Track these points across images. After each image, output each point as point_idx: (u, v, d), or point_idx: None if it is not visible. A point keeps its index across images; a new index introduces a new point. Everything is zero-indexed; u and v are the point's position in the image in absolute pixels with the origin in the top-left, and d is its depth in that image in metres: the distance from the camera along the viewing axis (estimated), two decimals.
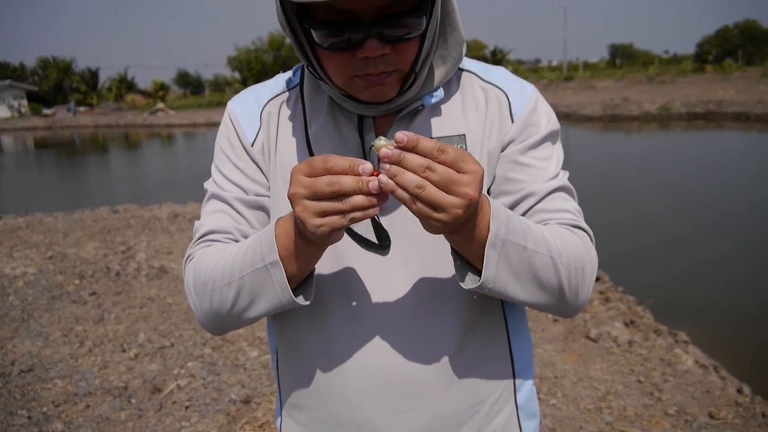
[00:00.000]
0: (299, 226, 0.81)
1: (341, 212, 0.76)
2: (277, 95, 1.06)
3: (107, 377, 3.63)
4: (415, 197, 0.74)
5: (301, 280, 0.91)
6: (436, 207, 0.74)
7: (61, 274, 5.64)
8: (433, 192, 0.73)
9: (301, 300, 0.89)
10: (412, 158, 0.73)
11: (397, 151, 0.73)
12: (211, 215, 1.04)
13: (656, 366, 3.63)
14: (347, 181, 0.74)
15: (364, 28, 0.83)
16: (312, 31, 0.86)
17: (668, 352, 3.82)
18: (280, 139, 1.03)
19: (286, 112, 1.05)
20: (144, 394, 3.42)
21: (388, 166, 0.73)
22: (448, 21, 0.95)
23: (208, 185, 1.07)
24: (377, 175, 0.74)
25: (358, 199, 0.75)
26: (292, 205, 0.79)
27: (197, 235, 1.03)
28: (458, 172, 0.74)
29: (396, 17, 0.83)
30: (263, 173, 1.04)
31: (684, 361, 3.68)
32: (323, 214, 0.76)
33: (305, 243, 0.83)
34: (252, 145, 1.03)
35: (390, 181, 0.73)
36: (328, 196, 0.75)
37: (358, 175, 0.74)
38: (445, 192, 0.74)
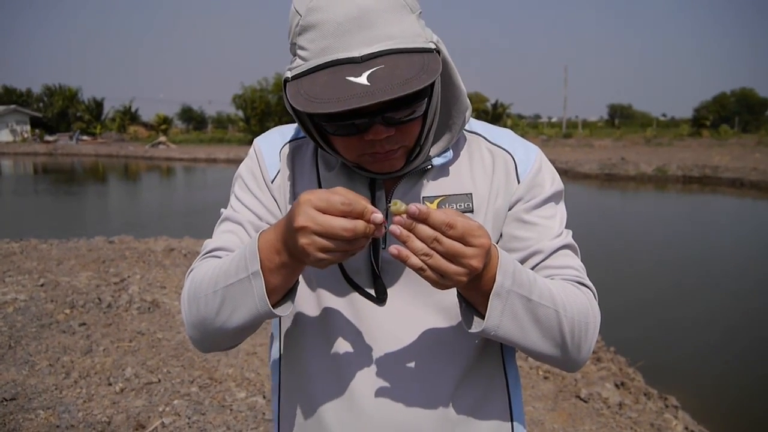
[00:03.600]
0: (294, 251, 0.83)
1: (345, 252, 0.80)
2: (297, 138, 1.12)
3: (91, 411, 3.58)
4: (423, 263, 0.79)
5: (283, 294, 0.93)
6: (441, 275, 0.80)
7: (52, 302, 5.59)
8: (438, 261, 0.79)
9: (279, 311, 0.91)
10: (422, 229, 0.78)
11: (410, 220, 0.78)
12: (221, 234, 1.08)
13: (646, 430, 3.60)
14: (361, 228, 0.79)
15: (369, 115, 0.88)
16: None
17: (658, 417, 3.79)
18: (297, 183, 1.08)
19: (303, 157, 1.10)
20: (127, 431, 3.36)
21: (398, 231, 0.78)
22: (451, 94, 1.01)
23: (224, 210, 1.11)
24: (384, 224, 0.80)
25: (363, 242, 0.80)
26: (296, 235, 0.80)
27: (203, 251, 1.06)
28: (465, 245, 0.79)
29: (398, 102, 0.88)
30: (279, 208, 1.09)
31: (674, 427, 3.66)
32: (328, 251, 0.80)
33: (290, 259, 0.86)
34: (272, 182, 1.08)
35: (404, 250, 0.79)
36: (340, 240, 0.79)
37: (368, 221, 0.79)
38: (450, 262, 0.79)
